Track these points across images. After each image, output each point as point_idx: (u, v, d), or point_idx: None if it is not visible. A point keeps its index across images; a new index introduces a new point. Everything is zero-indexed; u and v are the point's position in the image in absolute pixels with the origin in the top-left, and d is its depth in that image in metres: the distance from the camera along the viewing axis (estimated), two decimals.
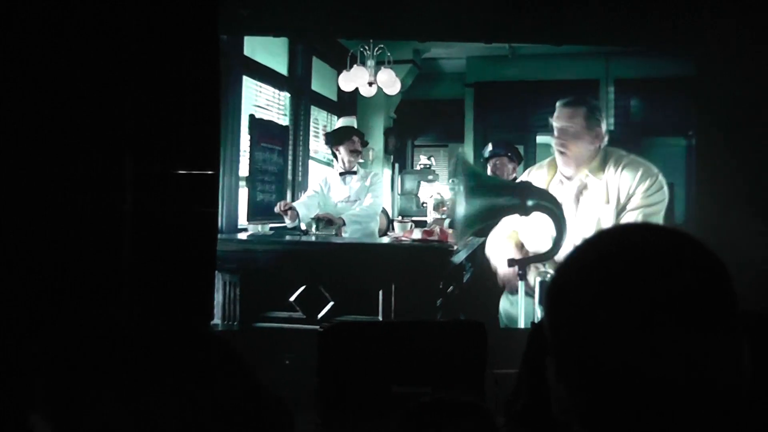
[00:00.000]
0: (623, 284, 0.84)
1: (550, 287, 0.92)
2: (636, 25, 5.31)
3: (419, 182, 9.40)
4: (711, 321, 0.82)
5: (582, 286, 0.86)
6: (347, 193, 6.55)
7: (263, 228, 6.12)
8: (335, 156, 6.67)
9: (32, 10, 3.93)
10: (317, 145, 8.64)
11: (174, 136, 4.14)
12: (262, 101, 7.32)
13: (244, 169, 6.67)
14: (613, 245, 0.91)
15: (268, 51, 7.30)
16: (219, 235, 4.53)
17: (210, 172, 4.16)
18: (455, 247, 5.38)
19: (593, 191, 4.97)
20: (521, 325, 4.83)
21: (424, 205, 8.41)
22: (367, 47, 7.56)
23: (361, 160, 6.81)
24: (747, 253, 4.43)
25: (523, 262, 4.90)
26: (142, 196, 4.00)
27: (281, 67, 7.82)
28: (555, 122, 5.00)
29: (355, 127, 6.90)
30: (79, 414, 0.92)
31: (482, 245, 5.53)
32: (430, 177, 9.48)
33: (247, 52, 6.74)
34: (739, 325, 0.83)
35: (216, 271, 4.45)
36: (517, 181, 5.64)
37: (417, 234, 5.43)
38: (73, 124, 3.94)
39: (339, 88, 8.09)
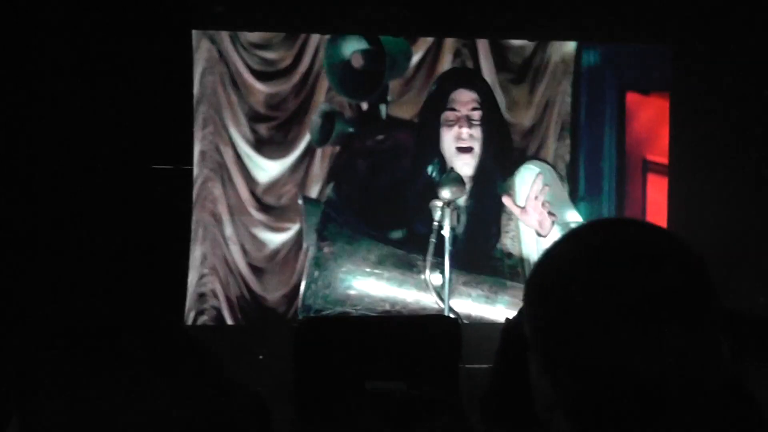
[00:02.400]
0: (609, 279, 0.84)
1: (531, 282, 0.92)
2: (610, 19, 5.32)
3: None
4: (692, 316, 0.82)
5: (566, 281, 0.86)
6: None
7: None
8: None
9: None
10: None
11: (148, 131, 4.11)
12: None
13: None
14: (597, 240, 0.90)
15: None
16: None
17: (186, 167, 4.13)
18: None
19: None
20: None
21: None
22: None
23: None
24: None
25: None
26: (116, 192, 3.96)
27: None
28: None
29: None
30: (48, 411, 0.90)
31: None
32: None
33: None
34: (718, 321, 0.83)
35: None
36: None
37: None
38: (51, 121, 3.92)
39: None
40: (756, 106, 5.15)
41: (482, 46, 5.85)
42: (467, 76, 5.75)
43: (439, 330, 4.54)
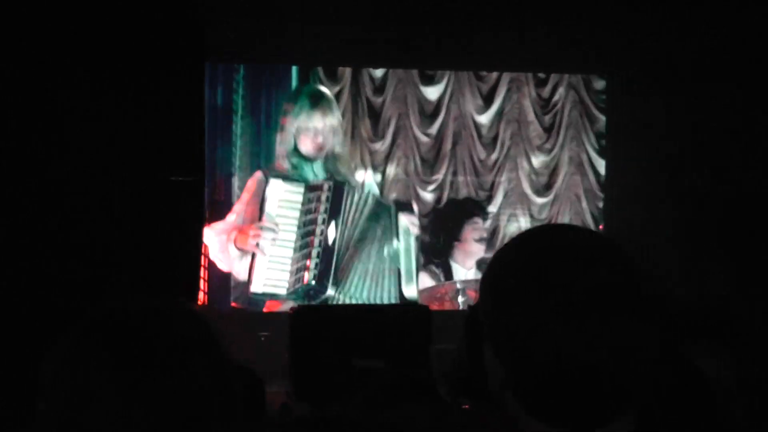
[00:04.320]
0: (547, 278, 0.83)
1: (484, 279, 0.91)
2: (546, 52, 5.17)
3: None
4: (621, 307, 0.81)
5: (512, 280, 0.85)
6: None
7: None
8: None
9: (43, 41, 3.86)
10: None
11: (164, 146, 4.12)
12: None
13: None
14: (538, 244, 0.90)
15: None
16: None
17: (197, 178, 4.13)
18: None
19: None
20: None
21: None
22: None
23: None
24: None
25: None
26: (135, 198, 3.94)
27: None
28: None
29: None
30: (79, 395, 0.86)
31: None
32: None
33: None
34: (650, 309, 0.83)
35: None
36: None
37: None
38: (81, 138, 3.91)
39: None
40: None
41: None
42: None
43: (412, 317, 4.66)
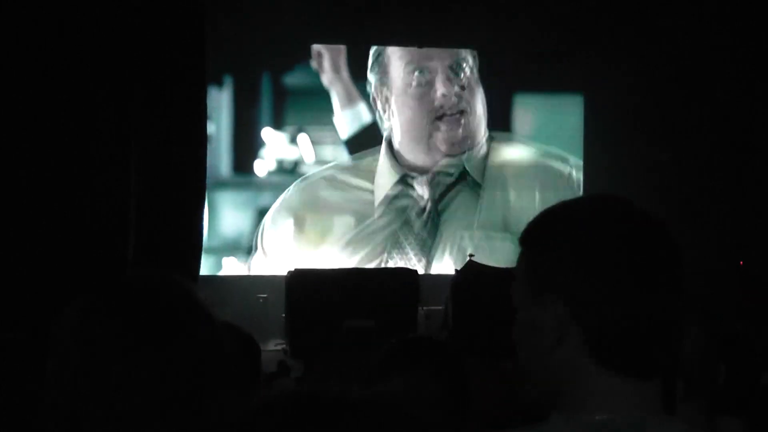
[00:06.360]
0: (628, 249, 0.86)
1: (558, 239, 0.90)
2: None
3: None
4: (678, 278, 0.88)
5: (596, 250, 0.88)
6: None
7: None
8: None
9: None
10: None
11: (170, 159, 4.42)
12: None
13: None
14: (590, 207, 0.91)
15: None
16: None
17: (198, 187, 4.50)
18: None
19: None
20: None
21: None
22: None
23: None
24: None
25: None
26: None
27: None
28: None
29: None
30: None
31: None
32: None
33: None
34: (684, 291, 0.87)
35: None
36: None
37: None
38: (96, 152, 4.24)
39: None
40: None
41: None
42: None
43: (401, 279, 4.67)
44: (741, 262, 4.85)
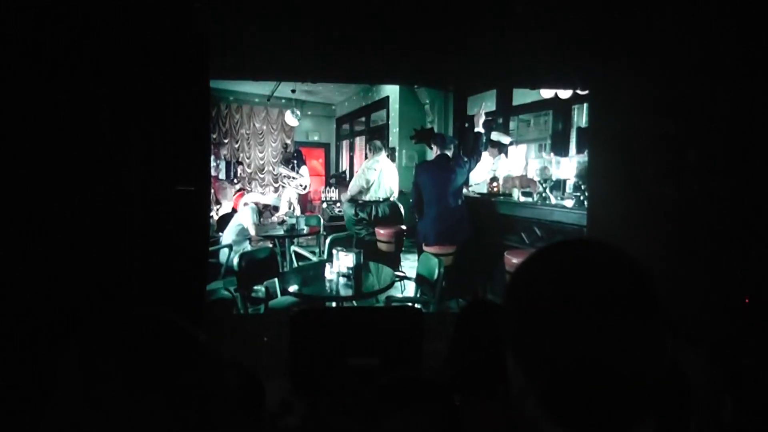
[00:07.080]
0: (570, 291, 0.87)
1: (508, 293, 0.89)
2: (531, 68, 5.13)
3: None
4: (638, 318, 0.85)
5: (535, 293, 0.85)
6: None
7: None
8: None
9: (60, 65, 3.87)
10: None
11: (172, 159, 4.09)
12: None
13: None
14: (560, 259, 0.89)
15: None
16: None
17: (201, 188, 4.10)
18: None
19: None
20: None
21: None
22: None
23: None
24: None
25: None
26: (145, 211, 3.93)
27: None
28: None
29: None
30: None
31: None
32: None
33: None
34: (661, 321, 0.83)
35: None
36: None
37: None
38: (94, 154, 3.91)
39: None
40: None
41: None
42: None
43: (406, 318, 4.64)
44: (747, 299, 4.82)
